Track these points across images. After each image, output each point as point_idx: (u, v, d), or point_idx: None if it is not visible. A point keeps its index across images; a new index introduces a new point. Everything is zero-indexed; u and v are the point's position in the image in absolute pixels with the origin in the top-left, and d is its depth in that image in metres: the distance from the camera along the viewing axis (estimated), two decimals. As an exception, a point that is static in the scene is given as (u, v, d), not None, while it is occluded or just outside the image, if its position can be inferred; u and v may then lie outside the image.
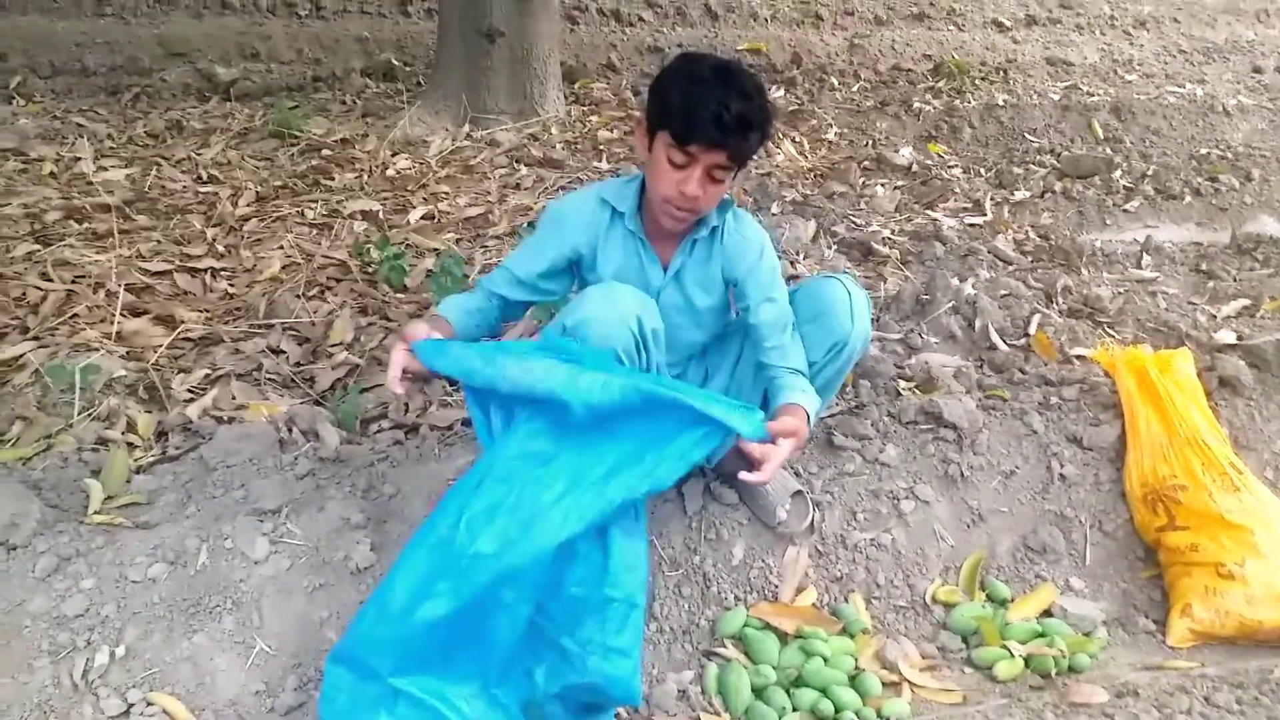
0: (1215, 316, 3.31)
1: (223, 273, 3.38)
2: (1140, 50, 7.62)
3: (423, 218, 3.89)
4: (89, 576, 2.02)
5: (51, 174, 4.09)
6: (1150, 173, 4.68)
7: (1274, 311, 3.31)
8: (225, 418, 2.55)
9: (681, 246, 2.09)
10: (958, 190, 4.45)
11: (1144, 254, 3.84)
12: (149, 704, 1.90)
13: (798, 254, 3.58)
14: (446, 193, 4.15)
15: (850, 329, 2.09)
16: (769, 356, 2.09)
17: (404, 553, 1.82)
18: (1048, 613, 2.38)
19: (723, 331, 2.28)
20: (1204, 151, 5.07)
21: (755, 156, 2.05)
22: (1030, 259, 3.73)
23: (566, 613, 1.84)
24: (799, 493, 2.37)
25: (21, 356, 2.72)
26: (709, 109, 1.80)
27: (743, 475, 1.88)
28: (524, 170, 4.41)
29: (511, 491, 1.78)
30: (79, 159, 4.22)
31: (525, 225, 3.73)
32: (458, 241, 3.68)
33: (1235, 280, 3.62)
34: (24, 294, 3.07)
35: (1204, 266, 3.74)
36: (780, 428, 1.87)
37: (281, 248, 3.53)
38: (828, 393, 2.23)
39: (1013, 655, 2.20)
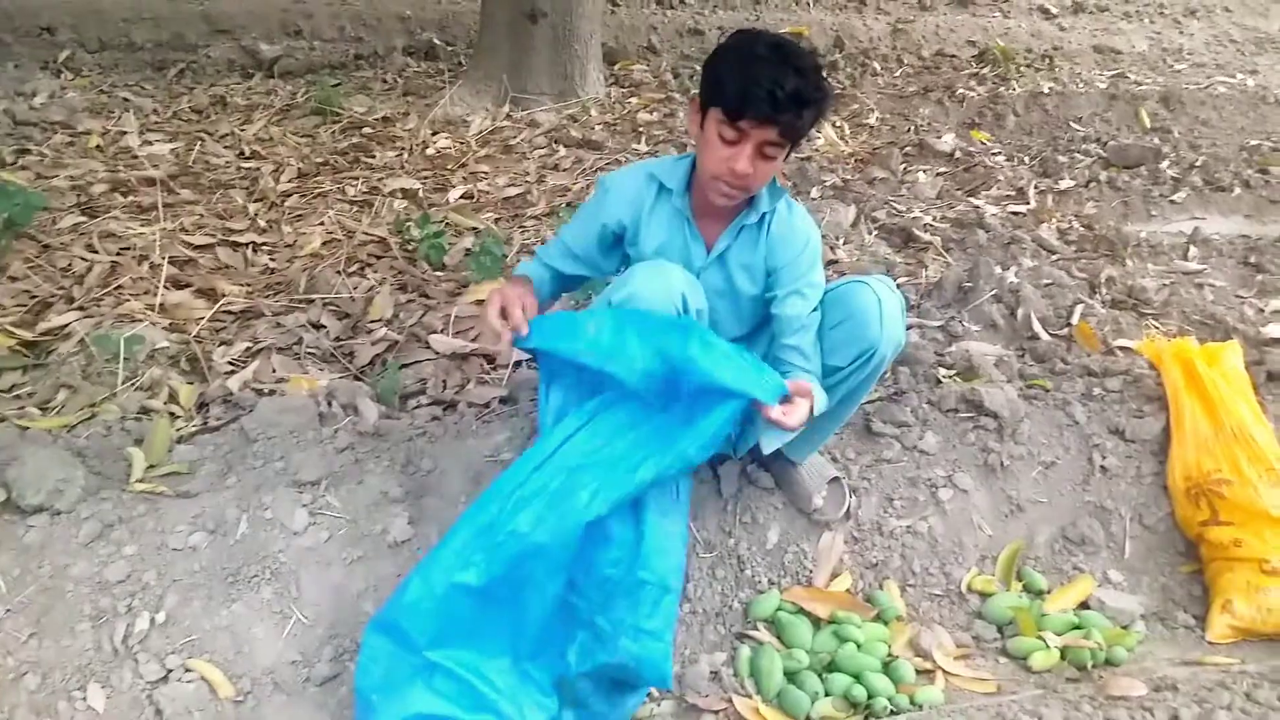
0: (1263, 310, 3.24)
1: (264, 247, 3.40)
2: (1190, 39, 7.47)
3: (462, 197, 3.90)
4: (130, 543, 2.05)
5: (98, 147, 4.14)
6: (1199, 163, 4.59)
7: (1324, 306, 3.24)
8: (266, 390, 2.57)
9: (729, 230, 2.07)
10: (1001, 178, 4.39)
11: (1191, 245, 3.77)
12: (187, 670, 1.93)
13: (837, 239, 3.56)
14: (486, 172, 4.15)
15: (879, 336, 2.01)
16: (785, 353, 2.07)
17: (450, 531, 1.85)
18: (1085, 605, 2.35)
19: (760, 325, 2.25)
20: (1254, 143, 4.95)
21: (809, 136, 2.02)
22: (1074, 249, 3.67)
23: (600, 592, 1.85)
24: (836, 479, 2.36)
25: (67, 326, 2.75)
26: (763, 85, 1.78)
27: (771, 415, 1.85)
28: (563, 151, 4.41)
29: (554, 478, 1.82)
30: (125, 133, 4.27)
31: (564, 206, 3.73)
32: (496, 221, 3.68)
33: (1285, 274, 3.55)
34: (70, 265, 3.11)
35: (1252, 259, 3.66)
36: (796, 387, 1.89)
37: (322, 224, 3.56)
38: (851, 402, 2.19)
39: (1048, 646, 2.18)
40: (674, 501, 1.92)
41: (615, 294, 1.92)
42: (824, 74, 1.89)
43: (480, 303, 3.04)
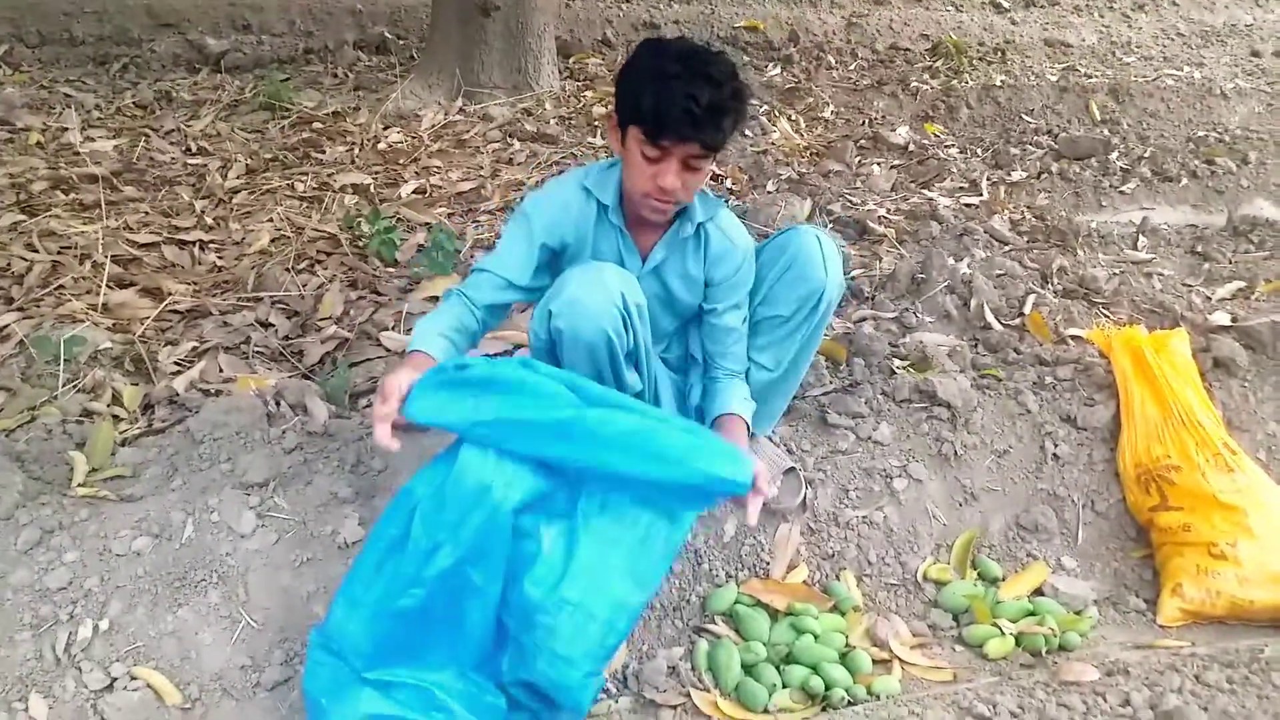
0: (1210, 298, 3.29)
1: (211, 245, 3.34)
2: (1138, 33, 7.56)
3: (414, 192, 3.85)
4: (72, 549, 2.00)
5: (38, 144, 4.04)
6: (1147, 155, 4.65)
7: (1269, 293, 3.30)
8: (212, 391, 2.52)
9: (663, 241, 2.06)
10: (954, 170, 4.42)
11: (1140, 235, 3.82)
12: (133, 678, 1.88)
13: (792, 232, 3.55)
14: (439, 167, 4.11)
15: (825, 279, 2.08)
16: (720, 357, 2.16)
17: (365, 546, 1.81)
18: (1039, 591, 2.37)
19: (689, 319, 2.26)
20: (1201, 134, 5.04)
21: (737, 138, 2.01)
22: (1026, 239, 3.70)
23: (520, 609, 1.76)
24: (791, 470, 2.36)
25: (6, 327, 2.68)
26: (678, 103, 1.75)
27: (744, 517, 1.83)
28: (517, 145, 4.37)
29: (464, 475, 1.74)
30: (66, 129, 4.17)
31: (518, 200, 3.70)
32: (449, 216, 3.64)
33: (1231, 262, 3.60)
34: (9, 264, 3.03)
35: (1200, 249, 3.72)
36: (760, 477, 1.76)
37: (271, 220, 3.50)
38: (807, 351, 2.24)
39: (1003, 633, 2.20)
40: (640, 543, 1.78)
41: (553, 301, 1.89)
42: (739, 76, 1.86)
43: (434, 299, 3.00)
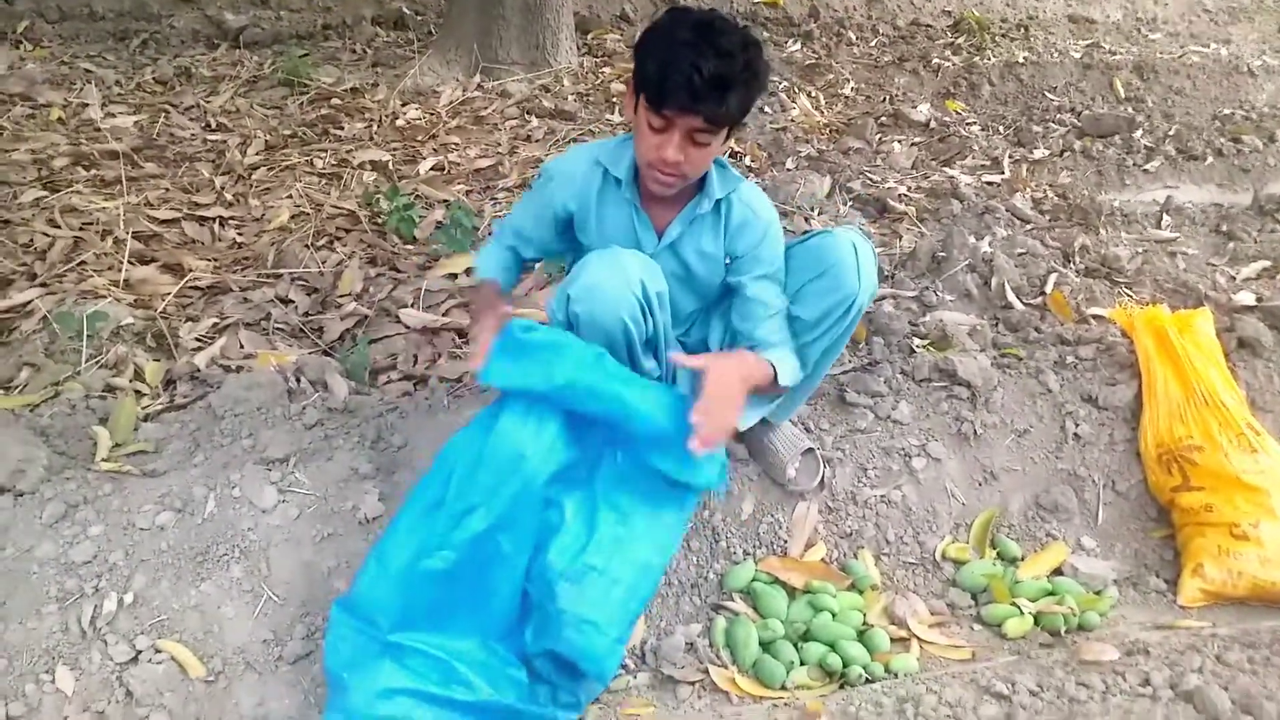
0: (1235, 278, 3.26)
1: (231, 221, 3.35)
2: (1164, 9, 7.45)
3: (432, 168, 3.84)
4: (97, 523, 2.02)
5: (59, 120, 4.05)
6: (1172, 133, 4.60)
7: (1295, 273, 3.26)
8: (233, 367, 2.53)
9: (680, 217, 2.02)
10: (976, 148, 4.38)
11: (1164, 214, 3.78)
12: (157, 650, 1.90)
13: (812, 210, 3.54)
14: (456, 144, 4.10)
15: (857, 288, 2.01)
16: (751, 334, 2.06)
17: (400, 510, 1.85)
18: (1058, 571, 2.36)
19: (715, 302, 2.22)
20: (1227, 112, 4.97)
21: (751, 114, 1.97)
22: (1048, 218, 3.67)
23: (544, 578, 1.82)
24: (810, 450, 2.35)
25: (29, 303, 2.70)
26: (681, 72, 1.71)
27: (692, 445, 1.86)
28: (535, 122, 4.36)
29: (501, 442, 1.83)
30: (87, 105, 4.18)
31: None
32: (467, 193, 3.64)
33: (1256, 242, 3.56)
34: (31, 240, 3.05)
35: (1224, 228, 3.68)
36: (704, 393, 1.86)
37: (290, 197, 3.50)
38: (833, 353, 2.18)
39: (1022, 613, 2.19)
40: (655, 509, 1.92)
41: (571, 285, 1.89)
42: (755, 51, 1.78)
43: (453, 276, 3.00)
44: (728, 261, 2.07)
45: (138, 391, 2.40)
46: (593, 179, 2.03)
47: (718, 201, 2.00)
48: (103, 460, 2.14)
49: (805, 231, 3.22)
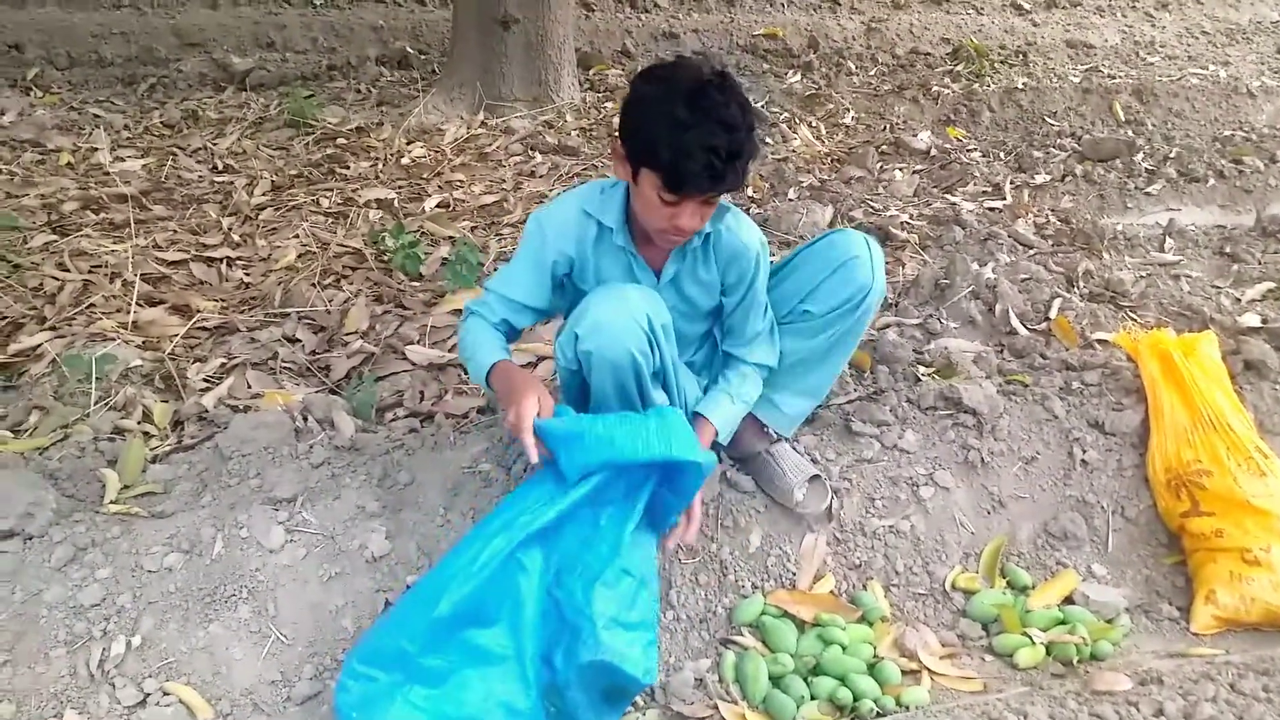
0: (1239, 300, 3.26)
1: (238, 262, 3.38)
2: (1162, 32, 7.50)
3: (438, 206, 3.88)
4: (105, 566, 2.02)
5: (69, 164, 4.10)
6: (1173, 155, 4.61)
7: (1300, 294, 3.26)
8: (241, 406, 2.55)
9: (674, 255, 2.06)
10: (977, 174, 4.40)
11: (1166, 237, 3.78)
12: (165, 694, 1.90)
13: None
14: (461, 180, 4.13)
15: (871, 282, 2.10)
16: (738, 350, 2.19)
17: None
18: (1069, 600, 2.35)
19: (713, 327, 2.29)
20: (1227, 134, 4.99)
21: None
22: (1051, 243, 3.68)
23: (581, 582, 1.86)
24: (816, 476, 2.35)
25: (39, 346, 2.73)
26: (698, 159, 1.71)
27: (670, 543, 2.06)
28: (539, 158, 4.39)
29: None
30: (96, 149, 4.23)
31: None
32: (473, 229, 3.67)
33: (1260, 263, 3.56)
34: (41, 284, 3.08)
35: (1228, 249, 3.68)
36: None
37: (297, 236, 3.53)
38: (843, 346, 2.23)
39: (1034, 643, 2.17)
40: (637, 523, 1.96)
41: (578, 324, 1.90)
42: (749, 103, 1.80)
43: (458, 312, 3.02)
44: (723, 285, 2.13)
45: (146, 433, 2.41)
46: (586, 229, 2.04)
47: (706, 235, 2.04)
48: (111, 502, 2.15)
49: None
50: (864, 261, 2.09)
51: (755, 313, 2.15)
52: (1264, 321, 2.96)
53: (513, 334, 2.13)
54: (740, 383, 2.19)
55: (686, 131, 1.72)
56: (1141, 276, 3.33)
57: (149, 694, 1.89)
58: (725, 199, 2.05)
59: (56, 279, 3.11)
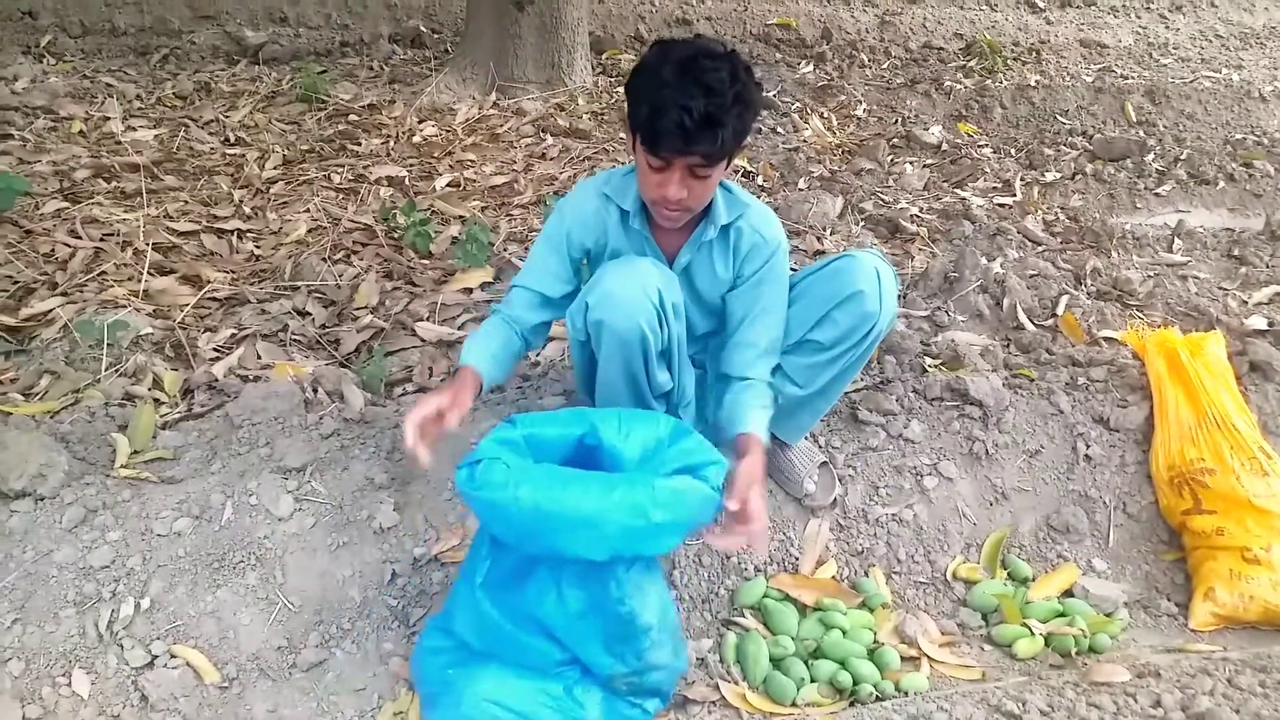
0: (1246, 302, 3.27)
1: (249, 234, 3.38)
2: (1176, 34, 7.48)
3: (448, 185, 3.88)
4: (115, 529, 2.04)
5: (81, 133, 4.10)
6: (1183, 157, 4.61)
7: (1307, 298, 3.27)
8: (251, 377, 2.56)
9: (689, 243, 2.05)
10: (987, 170, 4.40)
11: (1175, 238, 3.79)
12: (172, 656, 1.92)
13: (824, 230, 3.56)
14: (472, 161, 4.13)
15: (879, 312, 2.05)
16: (743, 362, 2.09)
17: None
18: (1069, 593, 2.37)
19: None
20: (1239, 137, 4.99)
21: (757, 134, 1.97)
22: (1059, 240, 3.69)
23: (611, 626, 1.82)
24: (825, 464, 2.36)
25: (50, 312, 2.73)
26: (671, 116, 1.70)
27: (723, 544, 1.94)
28: (550, 140, 4.39)
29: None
30: (108, 118, 4.22)
31: (551, 195, 3.72)
32: (483, 209, 3.67)
33: (1268, 267, 3.57)
34: (53, 250, 3.08)
35: (1236, 252, 3.69)
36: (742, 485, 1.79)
37: (308, 211, 3.54)
38: (851, 372, 2.21)
39: (1033, 634, 2.20)
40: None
41: (590, 294, 1.91)
42: (744, 78, 1.77)
43: (468, 291, 3.03)
44: (736, 279, 2.10)
45: (156, 400, 2.42)
46: (608, 215, 2.05)
47: (725, 227, 2.03)
48: (121, 467, 2.16)
49: (819, 252, 3.27)
50: (871, 295, 2.03)
51: (766, 321, 2.09)
52: (1270, 324, 2.97)
53: (535, 332, 2.12)
54: (763, 392, 2.08)
55: (665, 89, 1.72)
56: (1149, 276, 3.34)
57: (156, 656, 1.91)
58: (747, 196, 2.06)
59: (68, 245, 3.11)
